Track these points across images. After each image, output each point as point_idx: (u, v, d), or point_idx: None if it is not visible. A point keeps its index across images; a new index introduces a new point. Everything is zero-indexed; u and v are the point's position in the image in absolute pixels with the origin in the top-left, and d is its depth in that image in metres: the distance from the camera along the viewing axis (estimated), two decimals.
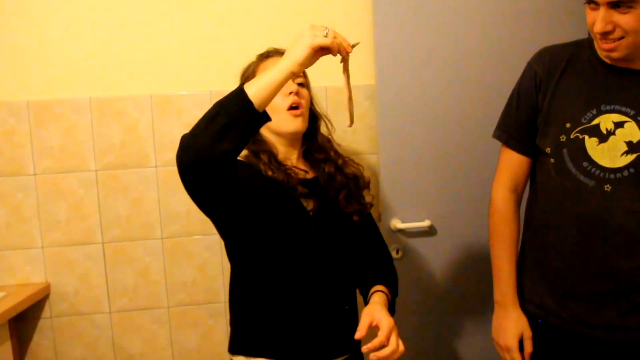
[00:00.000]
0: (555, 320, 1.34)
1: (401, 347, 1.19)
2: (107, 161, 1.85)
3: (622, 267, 1.26)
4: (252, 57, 1.45)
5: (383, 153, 1.87)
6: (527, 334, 1.37)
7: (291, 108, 1.34)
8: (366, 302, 1.36)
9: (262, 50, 1.46)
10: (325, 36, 1.09)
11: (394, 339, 1.18)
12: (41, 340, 1.87)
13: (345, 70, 1.19)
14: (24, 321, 1.84)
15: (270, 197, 1.29)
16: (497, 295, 1.43)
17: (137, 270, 1.89)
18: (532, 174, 1.42)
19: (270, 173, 1.30)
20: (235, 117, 1.06)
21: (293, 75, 1.11)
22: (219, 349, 1.94)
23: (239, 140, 1.08)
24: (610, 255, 1.26)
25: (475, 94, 1.87)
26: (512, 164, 1.41)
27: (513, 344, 1.37)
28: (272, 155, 1.34)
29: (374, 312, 1.23)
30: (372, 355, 1.16)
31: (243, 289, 1.35)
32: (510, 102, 1.42)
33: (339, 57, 1.15)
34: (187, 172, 1.13)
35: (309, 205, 1.33)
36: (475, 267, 1.90)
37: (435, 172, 1.89)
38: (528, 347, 1.37)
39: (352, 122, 1.21)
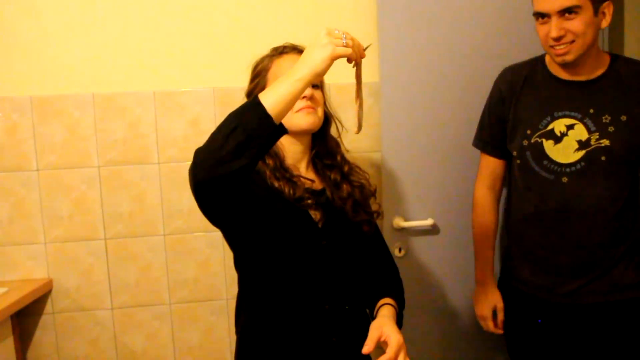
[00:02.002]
0: (533, 291, 1.59)
1: None
2: (109, 157, 1.85)
3: (582, 244, 1.50)
4: (256, 55, 1.40)
5: (386, 151, 1.86)
6: (500, 305, 1.68)
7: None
8: (373, 315, 1.33)
9: (266, 48, 1.41)
10: (346, 45, 1.05)
11: (401, 357, 1.16)
12: (43, 336, 1.87)
13: (358, 75, 1.15)
14: (26, 317, 1.85)
15: (277, 207, 1.26)
16: (478, 275, 1.74)
17: (139, 266, 1.89)
18: (508, 174, 1.69)
19: (275, 183, 1.27)
20: (253, 133, 1.02)
21: (310, 84, 1.07)
22: (221, 345, 1.94)
23: (257, 155, 1.04)
24: (570, 235, 1.51)
25: (479, 92, 1.85)
26: (489, 166, 1.70)
27: (487, 314, 1.70)
28: (278, 159, 1.31)
29: (383, 327, 1.20)
30: None
31: (251, 300, 1.32)
32: (483, 115, 1.70)
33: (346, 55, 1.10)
34: (202, 188, 1.08)
35: (317, 216, 1.30)
36: None
37: (439, 171, 1.88)
38: (500, 316, 1.69)
39: (359, 129, 1.17)
